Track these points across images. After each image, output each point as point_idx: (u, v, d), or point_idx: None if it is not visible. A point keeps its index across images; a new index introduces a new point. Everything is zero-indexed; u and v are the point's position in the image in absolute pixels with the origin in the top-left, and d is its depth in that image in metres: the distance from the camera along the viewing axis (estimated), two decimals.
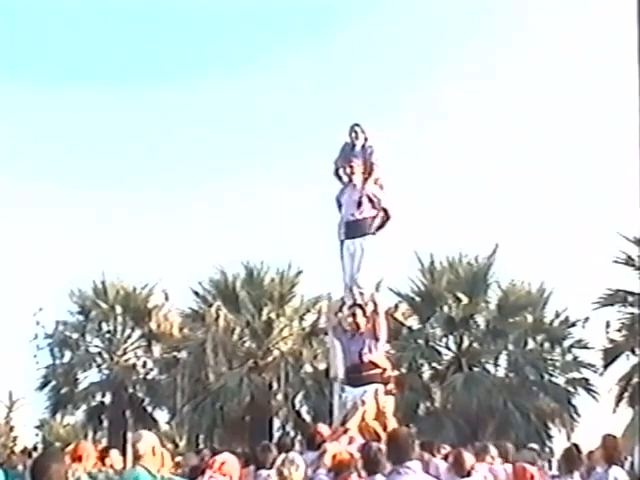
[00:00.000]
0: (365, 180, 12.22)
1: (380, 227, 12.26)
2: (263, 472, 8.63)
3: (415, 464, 6.48)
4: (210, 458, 8.25)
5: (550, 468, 12.37)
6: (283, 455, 7.87)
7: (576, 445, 10.65)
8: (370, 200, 12.08)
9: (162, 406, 32.68)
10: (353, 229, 12.10)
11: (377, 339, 11.58)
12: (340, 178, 12.61)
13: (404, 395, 27.42)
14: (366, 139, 12.52)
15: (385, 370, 11.88)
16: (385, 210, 12.24)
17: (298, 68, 48.78)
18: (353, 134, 12.57)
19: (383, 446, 6.95)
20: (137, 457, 6.23)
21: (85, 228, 43.88)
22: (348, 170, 12.26)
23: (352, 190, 12.21)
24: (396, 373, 27.45)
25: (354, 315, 11.55)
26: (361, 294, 11.85)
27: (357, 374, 11.53)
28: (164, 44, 52.65)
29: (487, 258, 30.08)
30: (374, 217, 12.13)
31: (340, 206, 12.47)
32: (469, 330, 29.69)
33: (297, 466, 7.37)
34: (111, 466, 9.64)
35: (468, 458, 8.62)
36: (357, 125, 12.64)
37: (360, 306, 11.67)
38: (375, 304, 11.74)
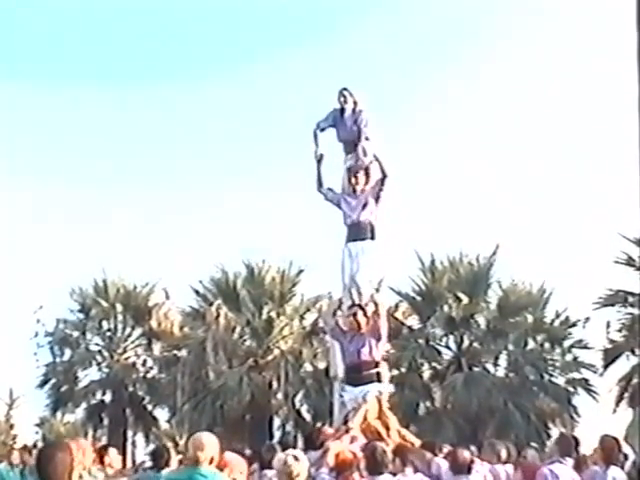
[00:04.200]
0: (364, 188, 12.24)
1: (380, 192, 12.15)
2: (268, 472, 8.63)
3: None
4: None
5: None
6: (284, 453, 7.87)
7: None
8: (375, 197, 12.10)
9: (162, 404, 32.70)
10: (355, 232, 12.13)
11: (378, 339, 11.60)
12: (316, 137, 12.64)
13: (404, 395, 27.55)
14: (355, 103, 12.51)
15: (384, 370, 11.90)
16: (383, 178, 12.19)
17: (298, 68, 48.84)
18: (342, 98, 12.55)
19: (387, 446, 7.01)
20: (196, 462, 6.13)
21: (86, 226, 43.94)
22: (353, 180, 12.30)
23: (356, 196, 12.24)
24: (396, 373, 27.70)
25: (354, 315, 11.56)
26: (360, 294, 11.86)
27: (358, 374, 11.55)
28: (164, 44, 52.75)
29: (488, 258, 30.10)
30: (373, 224, 12.13)
31: (321, 183, 12.52)
32: (469, 330, 29.72)
33: (300, 459, 7.35)
34: (110, 465, 9.62)
35: (465, 455, 8.68)
36: (345, 89, 12.54)
37: (360, 306, 11.69)
38: (376, 305, 11.76)
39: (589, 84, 44.20)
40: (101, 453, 9.77)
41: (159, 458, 8.61)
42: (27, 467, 13.84)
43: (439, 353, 29.97)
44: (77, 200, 44.68)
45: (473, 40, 49.57)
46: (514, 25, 48.45)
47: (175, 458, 8.43)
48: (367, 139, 12.40)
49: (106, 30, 50.91)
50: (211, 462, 6.10)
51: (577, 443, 7.76)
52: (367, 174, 12.25)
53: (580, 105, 45.01)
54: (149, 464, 10.33)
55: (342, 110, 12.56)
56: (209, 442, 6.19)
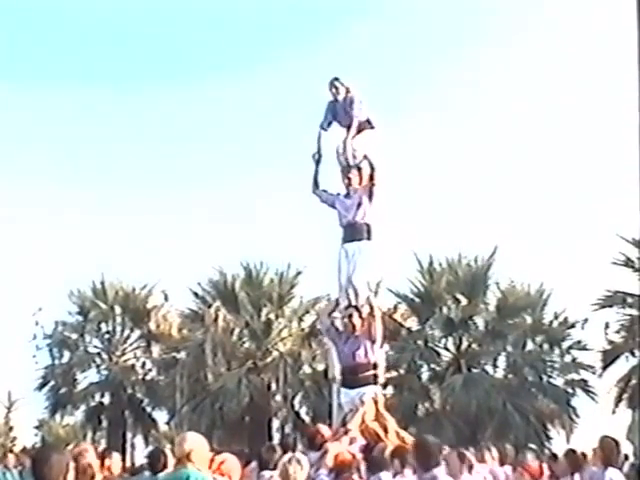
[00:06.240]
0: (360, 184, 12.20)
1: (372, 188, 12.07)
2: (266, 473, 8.59)
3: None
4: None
5: (551, 470, 12.35)
6: (290, 454, 7.85)
7: (574, 450, 10.66)
8: (369, 195, 12.03)
9: (161, 407, 32.67)
10: (351, 233, 12.06)
11: (373, 341, 11.55)
12: (319, 138, 12.58)
13: (403, 396, 27.55)
14: (347, 90, 12.42)
15: (379, 372, 11.85)
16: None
17: (298, 68, 48.83)
18: (333, 89, 12.46)
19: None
20: (179, 460, 6.12)
21: (84, 228, 43.89)
22: (346, 181, 12.24)
23: (350, 195, 12.18)
24: (395, 374, 27.68)
25: (350, 316, 11.50)
26: (356, 295, 11.81)
27: (353, 376, 11.50)
28: (164, 44, 52.74)
29: (486, 259, 30.09)
30: (369, 224, 12.06)
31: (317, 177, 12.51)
32: (468, 331, 29.70)
33: (302, 466, 7.38)
34: (108, 468, 9.56)
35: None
36: (336, 79, 12.39)
37: (356, 307, 11.63)
38: (371, 306, 11.70)
39: (589, 84, 44.23)
40: (103, 457, 9.71)
41: (156, 460, 8.58)
42: (24, 469, 13.85)
43: (438, 354, 29.95)
44: (75, 201, 44.72)
45: (473, 39, 49.68)
46: (514, 25, 48.55)
47: (172, 460, 8.37)
48: (361, 130, 12.32)
49: (105, 30, 51.00)
50: (189, 455, 6.09)
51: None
52: (359, 172, 12.17)
53: (580, 105, 45.00)
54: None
55: (335, 101, 12.51)
56: (189, 438, 6.23)
